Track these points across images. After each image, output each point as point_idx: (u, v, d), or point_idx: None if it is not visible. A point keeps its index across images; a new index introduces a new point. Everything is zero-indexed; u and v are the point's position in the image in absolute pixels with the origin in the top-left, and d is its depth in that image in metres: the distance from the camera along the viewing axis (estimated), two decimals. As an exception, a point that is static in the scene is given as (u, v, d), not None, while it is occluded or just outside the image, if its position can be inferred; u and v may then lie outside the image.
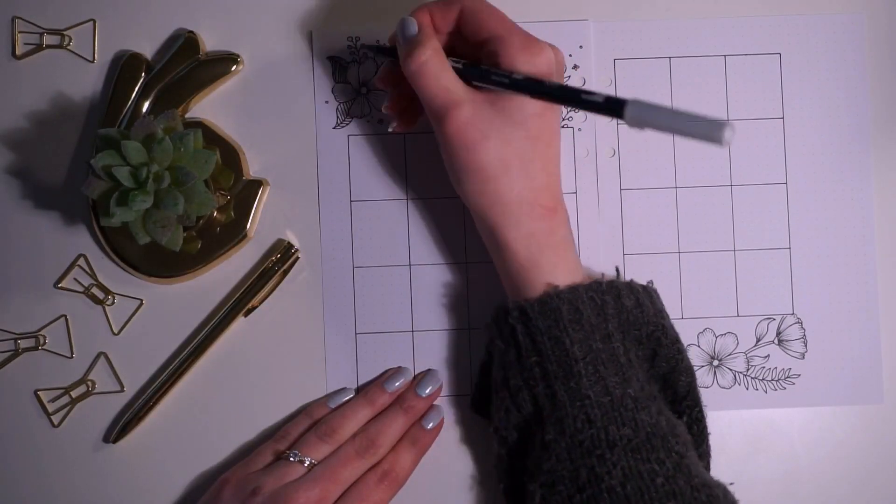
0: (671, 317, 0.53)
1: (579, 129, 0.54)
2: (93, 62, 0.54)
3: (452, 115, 0.46)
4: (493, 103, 0.46)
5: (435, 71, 0.46)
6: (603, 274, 0.52)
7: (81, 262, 0.54)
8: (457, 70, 0.47)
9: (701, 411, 0.49)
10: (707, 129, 0.36)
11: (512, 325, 0.47)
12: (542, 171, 0.47)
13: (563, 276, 0.47)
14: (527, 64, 0.45)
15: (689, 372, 0.49)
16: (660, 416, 0.45)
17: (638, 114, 0.39)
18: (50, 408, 0.54)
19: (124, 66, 0.53)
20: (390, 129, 0.52)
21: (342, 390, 0.53)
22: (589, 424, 0.45)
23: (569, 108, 0.54)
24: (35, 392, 0.54)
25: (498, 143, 0.46)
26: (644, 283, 0.51)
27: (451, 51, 0.48)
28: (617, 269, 0.54)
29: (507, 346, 0.48)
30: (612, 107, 0.40)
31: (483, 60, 0.47)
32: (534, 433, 0.47)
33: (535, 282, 0.47)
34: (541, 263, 0.47)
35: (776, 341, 0.54)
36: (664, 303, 0.53)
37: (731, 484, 0.46)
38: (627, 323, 0.47)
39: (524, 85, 0.44)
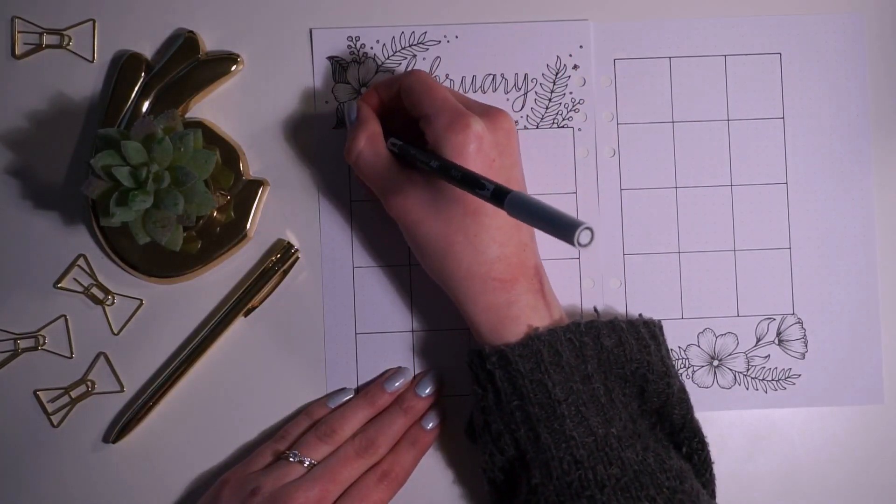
0: (671, 317, 0.53)
1: (579, 129, 0.54)
2: (92, 62, 0.54)
3: (390, 199, 0.48)
4: (430, 183, 0.47)
5: (370, 159, 0.48)
6: (596, 307, 0.52)
7: (81, 262, 0.54)
8: (393, 153, 0.48)
9: (700, 441, 0.49)
10: (565, 230, 0.37)
11: (490, 371, 0.47)
12: (490, 244, 0.46)
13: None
14: (449, 143, 0.45)
15: (683, 404, 0.49)
16: (646, 453, 0.45)
17: (514, 204, 0.39)
18: (50, 408, 0.54)
19: (124, 66, 0.53)
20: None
21: (342, 390, 0.53)
22: (576, 465, 0.44)
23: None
24: (35, 392, 0.54)
25: (437, 222, 0.46)
26: (647, 318, 0.51)
27: (408, 126, 0.49)
28: (595, 309, 0.53)
29: (484, 391, 0.48)
30: (497, 196, 0.40)
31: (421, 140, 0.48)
32: (519, 475, 0.47)
33: (500, 338, 0.47)
34: (504, 335, 0.47)
35: (776, 341, 0.54)
36: (665, 303, 0.53)
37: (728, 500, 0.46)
38: (608, 362, 0.47)
39: (439, 169, 0.45)
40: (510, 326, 0.47)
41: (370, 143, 0.48)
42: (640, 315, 0.53)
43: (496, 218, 0.46)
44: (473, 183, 0.42)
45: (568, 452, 0.45)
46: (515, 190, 0.40)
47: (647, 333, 0.50)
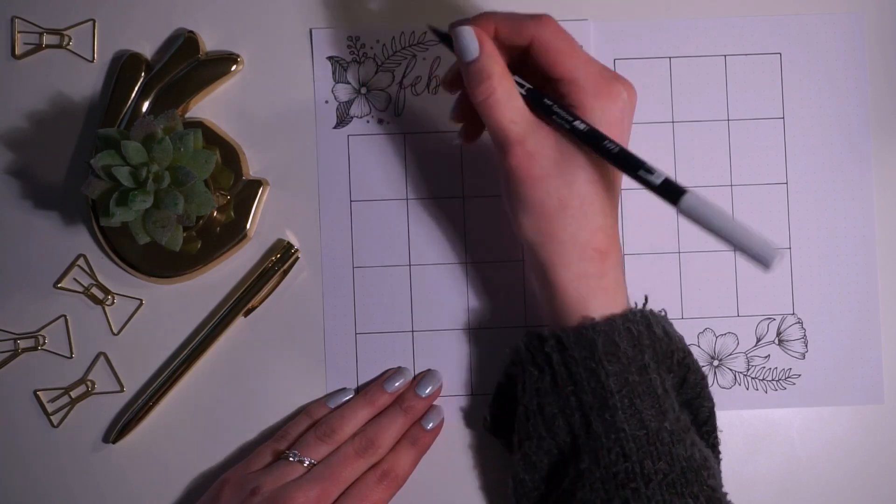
0: (671, 317, 0.53)
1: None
2: (92, 62, 0.54)
3: (515, 149, 0.44)
4: (558, 141, 0.44)
5: (503, 102, 0.44)
6: (636, 303, 0.52)
7: (81, 262, 0.54)
8: (522, 96, 0.45)
9: (717, 437, 0.49)
10: (758, 249, 0.36)
11: (548, 353, 0.46)
12: (599, 214, 0.45)
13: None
14: (597, 111, 0.44)
15: (711, 398, 0.49)
16: (693, 448, 0.45)
17: (693, 206, 0.38)
18: (49, 408, 0.54)
19: (124, 66, 0.53)
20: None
21: (342, 390, 0.53)
22: (624, 458, 0.44)
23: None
24: (35, 392, 0.54)
25: (558, 182, 0.44)
26: (649, 305, 0.51)
27: (513, 66, 0.46)
28: (646, 298, 0.53)
29: (541, 373, 0.47)
30: (669, 192, 0.39)
31: (549, 91, 0.45)
32: (566, 461, 0.47)
33: (577, 315, 0.46)
34: (590, 306, 0.46)
35: (776, 341, 0.54)
36: (665, 303, 0.53)
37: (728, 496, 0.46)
38: (661, 352, 0.46)
39: (584, 135, 0.43)
40: (601, 298, 0.46)
41: (505, 82, 0.44)
42: (646, 297, 0.53)
43: (612, 189, 0.45)
44: (633, 165, 0.41)
45: (617, 444, 0.44)
46: (689, 189, 0.39)
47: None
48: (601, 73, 0.45)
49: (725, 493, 0.45)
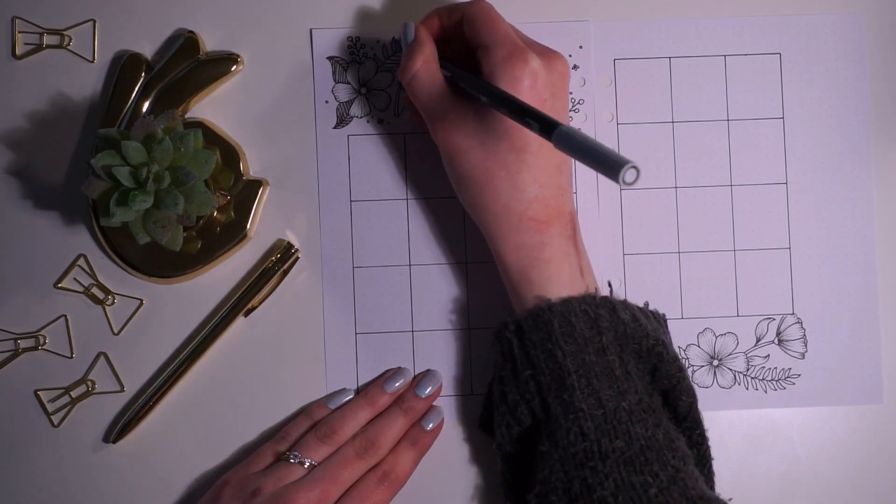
0: (671, 317, 0.53)
1: (579, 129, 0.54)
2: (93, 62, 0.54)
3: (437, 124, 0.47)
4: (478, 113, 0.47)
5: (424, 82, 0.48)
6: (609, 282, 0.52)
7: (81, 262, 0.54)
8: (447, 78, 0.48)
9: (702, 434, 0.49)
10: (611, 166, 0.37)
11: (509, 339, 0.47)
12: (531, 183, 0.46)
13: (557, 290, 0.47)
14: (504, 76, 0.45)
15: (690, 393, 0.49)
16: (657, 429, 0.45)
17: (562, 138, 0.39)
18: (50, 408, 0.54)
19: (124, 66, 0.53)
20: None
21: (342, 391, 0.53)
22: (582, 437, 0.44)
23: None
24: (35, 392, 0.54)
25: (480, 152, 0.47)
26: (650, 306, 0.51)
27: (463, 55, 0.49)
28: (609, 284, 0.54)
29: (504, 361, 0.48)
30: (546, 129, 0.40)
31: (473, 64, 0.48)
32: (533, 446, 0.47)
33: (528, 295, 0.47)
34: (531, 277, 0.47)
35: (776, 341, 0.54)
36: (665, 303, 0.53)
37: (731, 500, 0.46)
38: (625, 336, 0.47)
39: (491, 97, 0.45)
40: (540, 268, 0.47)
41: (426, 64, 0.48)
42: (646, 304, 0.53)
43: (539, 157, 0.46)
44: (524, 113, 0.42)
45: (575, 423, 0.45)
46: (564, 125, 0.40)
47: (655, 320, 0.50)
48: (513, 42, 0.47)
49: (699, 476, 0.45)
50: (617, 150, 0.36)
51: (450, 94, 0.48)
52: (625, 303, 0.49)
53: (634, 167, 0.36)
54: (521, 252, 0.47)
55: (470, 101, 0.47)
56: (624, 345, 0.47)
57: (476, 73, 0.47)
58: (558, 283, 0.47)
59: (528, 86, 0.45)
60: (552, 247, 0.47)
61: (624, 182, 0.36)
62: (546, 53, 0.47)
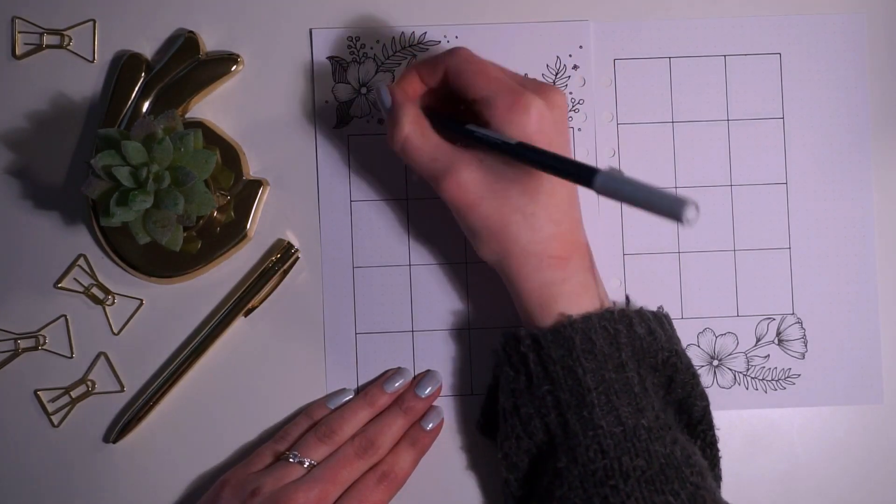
0: (671, 317, 0.53)
1: (579, 130, 0.54)
2: (93, 62, 0.54)
3: (444, 182, 0.46)
4: (483, 161, 0.46)
5: (418, 144, 0.46)
6: (614, 302, 0.52)
7: (81, 262, 0.54)
8: (440, 132, 0.47)
9: (714, 435, 0.49)
10: (671, 207, 0.36)
11: (524, 353, 0.47)
12: (547, 222, 0.46)
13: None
14: (512, 125, 0.44)
15: (704, 396, 0.49)
16: (674, 446, 0.45)
17: (606, 184, 0.39)
18: (50, 408, 0.54)
19: (124, 66, 0.53)
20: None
21: (342, 391, 0.53)
22: (602, 455, 0.44)
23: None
24: (35, 392, 0.54)
25: (494, 202, 0.46)
26: (654, 309, 0.51)
27: (447, 100, 0.48)
28: (627, 297, 0.53)
29: (516, 374, 0.47)
30: (583, 176, 0.40)
31: (472, 117, 0.47)
32: (545, 460, 0.47)
33: (546, 318, 0.47)
34: (552, 312, 0.47)
35: (776, 341, 0.54)
36: (665, 303, 0.53)
37: (731, 503, 0.46)
38: (641, 351, 0.47)
39: (502, 147, 0.44)
40: (562, 302, 0.46)
41: (415, 126, 0.47)
42: (660, 307, 0.53)
43: (553, 196, 0.46)
44: (558, 165, 0.41)
45: (595, 441, 0.44)
46: (603, 169, 0.39)
47: (670, 325, 0.50)
48: (511, 87, 0.45)
49: (716, 488, 0.45)
50: (665, 190, 0.35)
51: (449, 148, 0.47)
52: (640, 313, 0.48)
53: (695, 204, 0.35)
54: (542, 290, 0.47)
55: (471, 150, 0.46)
56: (641, 360, 0.47)
57: (467, 120, 0.47)
58: (580, 311, 0.47)
59: (535, 130, 0.45)
60: (572, 281, 0.47)
61: (687, 222, 0.35)
62: (543, 91, 0.46)
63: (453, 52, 0.47)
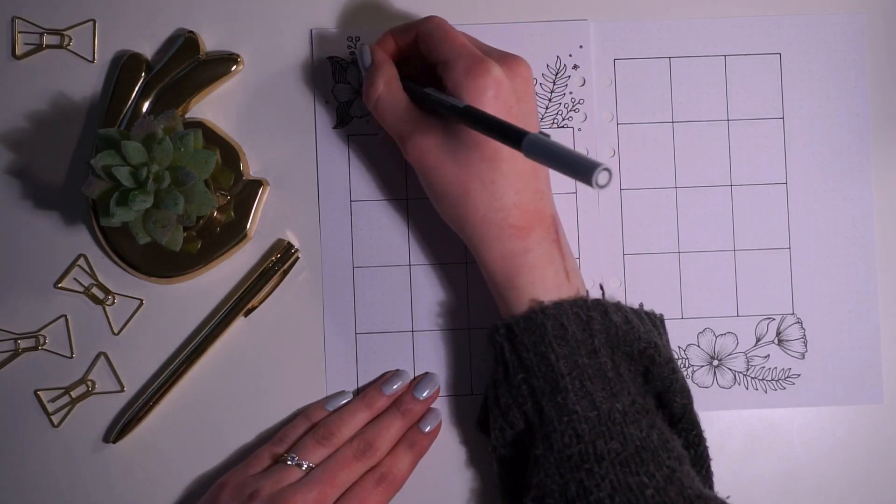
0: (671, 317, 0.53)
1: (579, 130, 0.54)
2: (93, 62, 0.54)
3: (408, 144, 0.47)
4: (448, 128, 0.46)
5: (389, 103, 0.48)
6: (601, 285, 0.52)
7: (81, 262, 0.54)
8: (411, 96, 0.48)
9: (698, 435, 0.49)
10: (582, 170, 0.37)
11: (500, 343, 0.47)
12: (508, 191, 0.46)
13: (543, 294, 0.47)
14: (468, 89, 0.45)
15: (685, 394, 0.49)
16: (651, 430, 0.45)
17: (531, 147, 0.39)
18: (50, 408, 0.54)
19: (124, 66, 0.53)
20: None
21: (340, 393, 0.53)
22: (577, 439, 0.44)
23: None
24: (35, 392, 0.54)
25: (453, 167, 0.46)
26: (651, 310, 0.51)
27: (424, 69, 0.49)
28: (601, 287, 0.54)
29: (496, 364, 0.48)
30: (513, 138, 0.40)
31: (435, 81, 0.48)
32: (528, 449, 0.47)
33: (517, 299, 0.47)
34: (516, 283, 0.47)
35: (776, 341, 0.54)
36: (665, 303, 0.53)
37: (728, 497, 0.46)
38: (616, 338, 0.47)
39: (459, 113, 0.44)
40: (525, 274, 0.47)
41: (388, 86, 0.48)
42: (641, 305, 0.53)
43: (513, 164, 0.46)
44: (490, 126, 0.42)
45: (570, 426, 0.45)
46: (532, 132, 0.39)
47: (650, 321, 0.50)
48: (472, 53, 0.46)
49: (694, 475, 0.45)
50: (586, 154, 0.36)
51: (416, 112, 0.48)
52: (618, 305, 0.49)
53: (606, 169, 0.36)
54: (505, 260, 0.47)
55: (437, 116, 0.47)
56: (615, 347, 0.47)
57: (439, 89, 0.47)
58: (544, 288, 0.47)
59: (492, 95, 0.45)
60: (535, 252, 0.47)
61: (597, 185, 0.36)
62: (506, 59, 0.47)
63: (428, 18, 0.49)
